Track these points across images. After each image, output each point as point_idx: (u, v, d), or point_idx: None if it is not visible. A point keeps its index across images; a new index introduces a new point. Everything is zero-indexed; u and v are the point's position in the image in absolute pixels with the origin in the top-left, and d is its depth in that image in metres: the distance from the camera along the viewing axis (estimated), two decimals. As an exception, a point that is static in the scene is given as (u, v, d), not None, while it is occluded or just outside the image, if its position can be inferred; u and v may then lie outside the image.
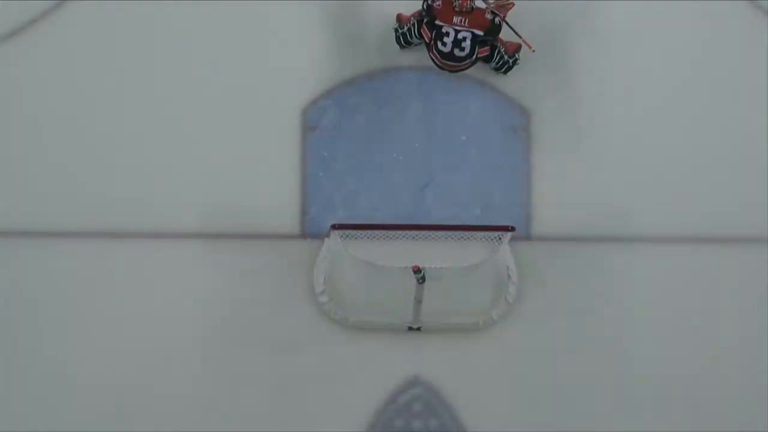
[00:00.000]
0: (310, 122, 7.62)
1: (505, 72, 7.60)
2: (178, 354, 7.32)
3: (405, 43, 7.59)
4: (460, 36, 7.25)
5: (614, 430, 7.30)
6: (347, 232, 7.01)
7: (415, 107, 7.64)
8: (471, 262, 6.95)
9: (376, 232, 7.08)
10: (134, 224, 7.45)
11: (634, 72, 7.70)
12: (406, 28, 7.50)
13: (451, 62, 7.36)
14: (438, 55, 7.35)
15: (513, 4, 7.41)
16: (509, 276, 7.39)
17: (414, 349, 7.38)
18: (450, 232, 7.10)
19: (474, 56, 7.34)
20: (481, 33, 7.27)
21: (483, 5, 7.32)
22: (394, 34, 7.60)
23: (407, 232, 7.12)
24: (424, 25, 7.35)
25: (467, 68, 7.42)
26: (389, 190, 7.57)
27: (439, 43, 7.29)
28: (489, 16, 7.27)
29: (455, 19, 7.24)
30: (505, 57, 7.49)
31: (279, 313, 7.40)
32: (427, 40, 7.37)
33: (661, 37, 7.77)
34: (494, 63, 7.52)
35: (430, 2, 7.29)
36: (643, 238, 7.51)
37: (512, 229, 7.02)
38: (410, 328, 7.37)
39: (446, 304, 7.27)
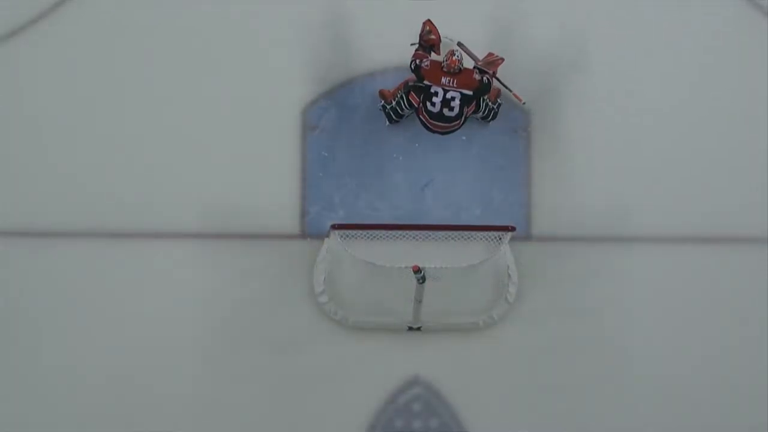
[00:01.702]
0: (310, 122, 7.63)
1: (491, 120, 7.51)
2: (178, 354, 7.32)
3: (396, 117, 7.48)
4: (448, 96, 7.18)
5: (614, 430, 7.31)
6: (347, 232, 7.02)
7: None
8: (471, 262, 6.96)
9: (376, 232, 7.09)
10: (134, 224, 7.45)
11: (633, 72, 7.69)
12: (394, 102, 7.40)
13: (440, 123, 7.27)
14: (427, 116, 7.27)
15: (503, 60, 7.35)
16: (509, 276, 7.39)
17: (414, 349, 7.38)
18: (450, 232, 7.11)
19: (463, 117, 7.27)
20: (470, 93, 7.20)
21: (471, 64, 7.29)
22: (382, 111, 7.49)
23: (407, 232, 7.13)
24: (411, 91, 7.29)
25: (458, 129, 7.34)
26: (389, 190, 7.57)
27: (428, 104, 7.21)
28: (477, 76, 7.20)
29: (444, 80, 7.17)
30: (490, 104, 7.40)
31: (279, 313, 7.40)
32: (415, 104, 7.29)
33: (661, 37, 7.75)
34: (481, 113, 7.41)
35: (418, 62, 7.23)
36: (643, 238, 7.52)
37: (512, 229, 7.03)
38: (410, 328, 7.38)
39: (446, 304, 7.28)
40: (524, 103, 7.41)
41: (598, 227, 7.53)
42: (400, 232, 7.14)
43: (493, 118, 7.50)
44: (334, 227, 7.06)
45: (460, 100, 7.20)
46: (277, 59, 7.67)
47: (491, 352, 7.40)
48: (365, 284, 7.29)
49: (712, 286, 7.47)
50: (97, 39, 7.65)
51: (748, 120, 7.65)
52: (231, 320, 7.38)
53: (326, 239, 7.41)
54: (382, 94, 7.52)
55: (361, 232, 7.05)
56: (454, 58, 7.14)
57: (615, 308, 7.45)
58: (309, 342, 7.38)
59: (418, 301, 7.02)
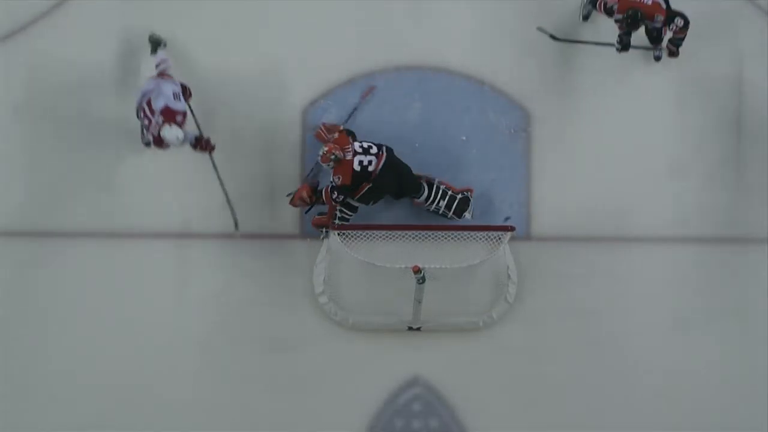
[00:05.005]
0: (310, 122, 7.62)
1: (459, 215, 7.32)
2: (178, 354, 7.33)
3: (350, 213, 7.23)
4: (365, 161, 6.99)
5: (614, 430, 7.32)
6: (347, 232, 7.02)
7: (415, 107, 7.63)
8: (471, 262, 6.96)
9: (376, 232, 7.08)
10: (134, 224, 7.45)
11: (633, 72, 7.69)
12: (338, 213, 7.17)
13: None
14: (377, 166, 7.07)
15: (337, 126, 7.28)
16: (509, 276, 7.39)
17: (414, 349, 7.38)
18: (450, 232, 7.11)
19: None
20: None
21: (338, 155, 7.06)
22: (339, 236, 7.18)
23: (407, 232, 7.13)
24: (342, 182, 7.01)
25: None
26: (389, 190, 7.56)
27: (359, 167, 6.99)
28: (332, 157, 6.93)
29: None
30: (441, 203, 7.24)
31: (279, 313, 7.40)
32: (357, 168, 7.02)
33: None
34: (430, 205, 7.26)
35: (337, 179, 6.97)
36: (643, 238, 7.52)
37: (512, 229, 7.03)
38: (410, 328, 7.38)
39: (446, 304, 7.28)
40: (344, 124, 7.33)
41: (598, 227, 7.53)
42: (400, 232, 7.14)
43: (461, 211, 7.31)
44: (334, 227, 7.05)
45: (374, 156, 7.03)
46: (277, 59, 7.66)
47: (491, 352, 7.41)
48: (365, 284, 7.30)
49: (712, 286, 7.47)
50: (98, 38, 7.63)
51: (748, 120, 7.64)
52: (231, 320, 7.38)
53: (326, 239, 7.41)
54: (319, 223, 7.33)
55: (361, 232, 7.05)
56: (325, 155, 6.94)
57: (615, 308, 7.45)
58: (309, 342, 7.38)
59: (418, 301, 7.02)
